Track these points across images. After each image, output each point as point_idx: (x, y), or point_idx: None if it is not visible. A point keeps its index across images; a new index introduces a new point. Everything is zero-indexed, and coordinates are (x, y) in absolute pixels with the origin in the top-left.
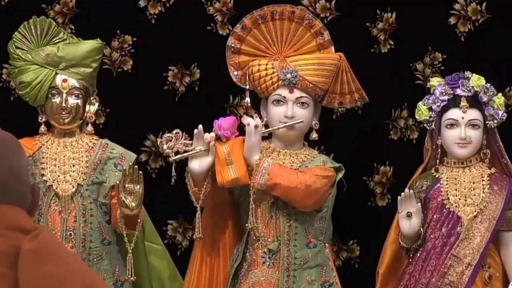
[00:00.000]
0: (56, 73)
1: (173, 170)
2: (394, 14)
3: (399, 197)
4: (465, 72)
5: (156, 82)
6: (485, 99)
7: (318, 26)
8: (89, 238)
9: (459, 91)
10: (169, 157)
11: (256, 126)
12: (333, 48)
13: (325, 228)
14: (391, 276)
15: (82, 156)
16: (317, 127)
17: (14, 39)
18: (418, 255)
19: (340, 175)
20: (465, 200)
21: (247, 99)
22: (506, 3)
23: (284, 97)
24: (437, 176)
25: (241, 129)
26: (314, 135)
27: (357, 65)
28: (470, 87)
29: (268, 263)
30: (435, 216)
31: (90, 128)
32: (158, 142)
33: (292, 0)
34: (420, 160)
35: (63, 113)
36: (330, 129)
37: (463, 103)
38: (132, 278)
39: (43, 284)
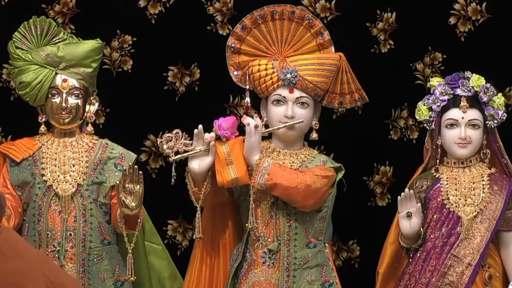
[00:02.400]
0: (56, 73)
1: (173, 170)
2: (394, 14)
3: (399, 197)
4: (465, 72)
5: (156, 82)
6: (485, 99)
7: (318, 26)
8: (89, 238)
9: (459, 91)
10: (169, 157)
11: (256, 126)
12: (333, 48)
13: (325, 228)
14: (391, 276)
15: (82, 156)
16: (317, 127)
17: (14, 39)
18: (418, 255)
19: (340, 175)
20: (465, 200)
21: (247, 99)
22: (506, 3)
23: (284, 97)
24: (437, 176)
25: (241, 129)
26: (314, 135)
27: (357, 65)
28: (470, 87)
29: (268, 263)
30: (435, 216)
31: (90, 128)
32: (158, 142)
33: (292, 0)
34: (420, 160)
35: (63, 113)
36: (330, 129)
37: (463, 103)
38: (132, 278)
39: (4, 279)
